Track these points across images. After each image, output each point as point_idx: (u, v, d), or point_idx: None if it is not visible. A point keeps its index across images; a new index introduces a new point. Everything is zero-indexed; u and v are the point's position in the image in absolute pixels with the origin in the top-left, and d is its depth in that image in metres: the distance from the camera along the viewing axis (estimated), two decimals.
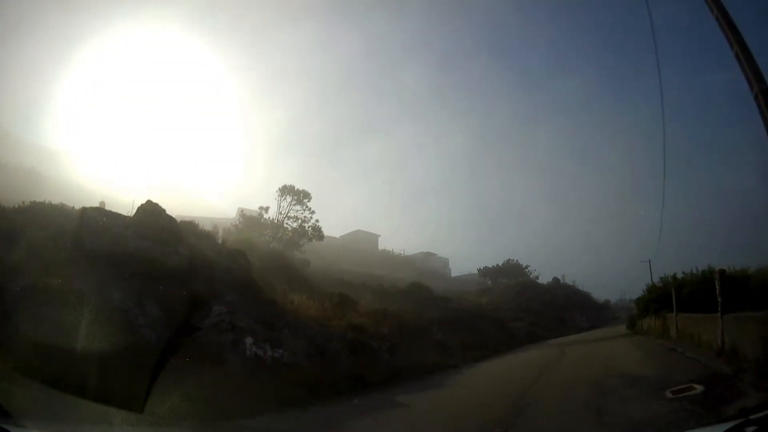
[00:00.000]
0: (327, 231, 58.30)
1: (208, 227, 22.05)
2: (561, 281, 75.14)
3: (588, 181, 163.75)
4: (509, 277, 70.25)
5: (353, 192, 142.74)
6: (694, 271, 20.94)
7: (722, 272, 15.02)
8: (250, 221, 30.87)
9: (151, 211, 15.17)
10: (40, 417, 6.22)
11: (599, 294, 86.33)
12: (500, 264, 73.45)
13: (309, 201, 32.18)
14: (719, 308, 13.58)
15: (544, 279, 73.25)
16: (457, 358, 24.67)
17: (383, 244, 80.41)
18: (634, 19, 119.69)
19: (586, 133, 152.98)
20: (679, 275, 21.94)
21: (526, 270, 73.79)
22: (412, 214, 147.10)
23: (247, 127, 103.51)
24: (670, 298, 21.25)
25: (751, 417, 2.98)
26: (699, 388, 8.86)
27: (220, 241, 21.69)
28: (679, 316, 19.59)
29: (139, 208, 15.29)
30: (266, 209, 31.33)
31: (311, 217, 32.09)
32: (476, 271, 75.40)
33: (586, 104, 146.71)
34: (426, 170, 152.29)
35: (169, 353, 10.27)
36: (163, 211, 15.50)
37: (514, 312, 51.58)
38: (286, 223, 31.61)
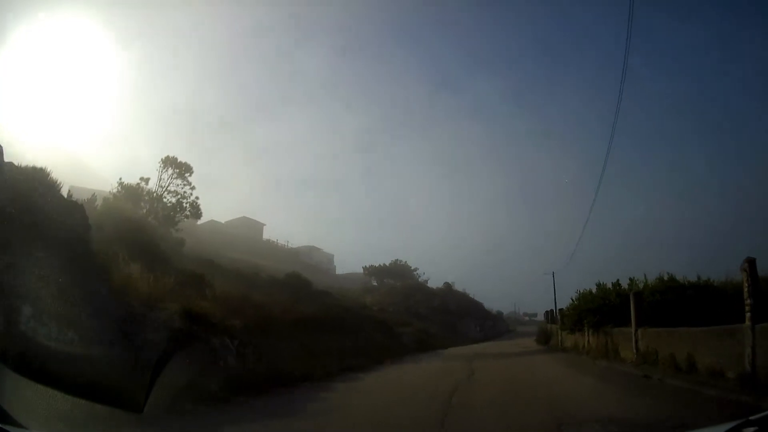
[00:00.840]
0: (213, 215, 57.52)
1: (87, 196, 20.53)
2: (453, 288, 71.53)
3: (487, 188, 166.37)
4: (396, 278, 67.03)
5: (242, 176, 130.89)
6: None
7: (752, 262, 10.04)
8: (129, 191, 28.84)
9: None
10: (39, 417, 6.34)
11: (490, 305, 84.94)
12: (387, 264, 70.12)
13: (190, 175, 30.82)
14: (748, 315, 9.39)
15: (434, 284, 70.48)
16: (333, 366, 18.00)
17: (269, 234, 76.38)
18: (556, 22, 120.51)
19: (490, 138, 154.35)
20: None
21: (415, 272, 71.62)
22: (299, 205, 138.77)
23: (137, 98, 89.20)
24: (620, 309, 16.32)
25: (751, 417, 2.90)
26: None
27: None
28: (645, 332, 14.19)
29: None
30: (146, 180, 29.61)
31: (191, 193, 30.68)
32: (362, 270, 71.70)
33: (496, 107, 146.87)
34: (317, 161, 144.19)
35: None
36: None
37: (402, 315, 46.83)
38: (165, 198, 30.33)
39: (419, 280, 69.82)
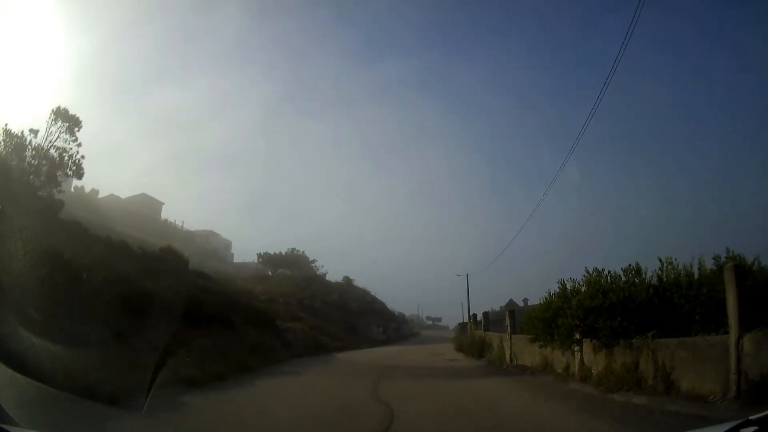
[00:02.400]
0: (113, 189, 58.74)
1: None
2: (353, 283, 63.68)
3: (395, 180, 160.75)
4: (292, 269, 60.79)
5: (143, 149, 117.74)
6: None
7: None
8: (13, 142, 26.09)
9: None
10: (39, 417, 6.19)
11: (393, 306, 78.03)
12: (283, 252, 64.44)
13: (79, 130, 28.16)
14: None
15: (333, 279, 64.54)
16: (165, 377, 10.24)
17: (168, 214, 72.36)
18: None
19: (400, 127, 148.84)
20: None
21: (313, 264, 66.16)
22: (200, 185, 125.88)
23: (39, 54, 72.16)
24: (651, 308, 9.22)
25: (751, 417, 2.82)
26: None
27: None
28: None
29: None
30: (35, 132, 26.86)
31: (77, 151, 27.88)
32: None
33: (409, 91, 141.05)
34: (220, 137, 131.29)
35: None
36: None
37: (293, 308, 37.98)
38: (52, 153, 27.69)
39: (317, 272, 63.21)
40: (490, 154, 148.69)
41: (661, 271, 11.09)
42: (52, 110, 28.29)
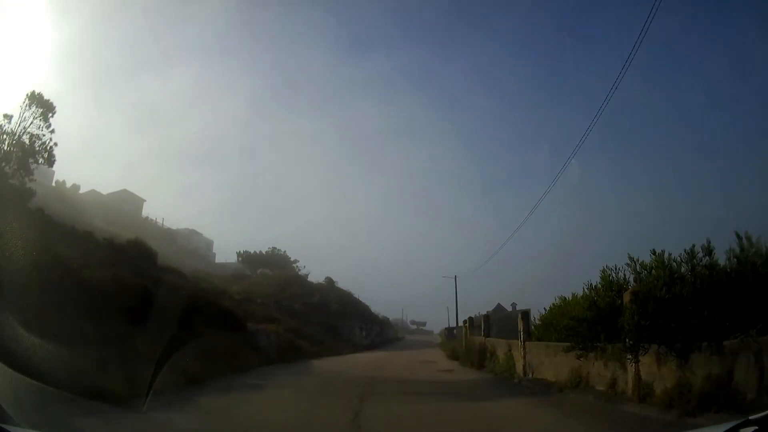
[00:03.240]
0: (94, 185, 57.62)
1: None
2: (336, 285, 60.28)
3: (381, 182, 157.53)
4: (273, 269, 56.95)
5: (125, 143, 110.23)
6: None
7: None
8: None
9: None
10: (39, 417, 6.09)
11: (377, 309, 74.27)
12: (264, 252, 61.90)
13: (53, 116, 26.64)
14: None
15: (315, 279, 60.29)
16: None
17: (150, 212, 70.02)
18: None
19: (386, 124, 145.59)
20: None
21: (295, 264, 62.75)
22: (182, 182, 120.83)
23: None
24: None
25: (751, 417, 2.81)
26: None
27: None
28: None
29: None
30: (9, 118, 25.80)
31: (50, 138, 26.32)
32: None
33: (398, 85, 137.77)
34: (203, 132, 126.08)
35: None
36: None
37: (270, 310, 34.28)
38: (24, 139, 26.49)
39: (299, 273, 59.66)
40: (478, 153, 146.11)
41: (741, 248, 8.05)
42: (27, 95, 27.77)
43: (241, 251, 62.23)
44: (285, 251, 63.25)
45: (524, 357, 14.44)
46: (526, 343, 14.75)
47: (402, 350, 41.14)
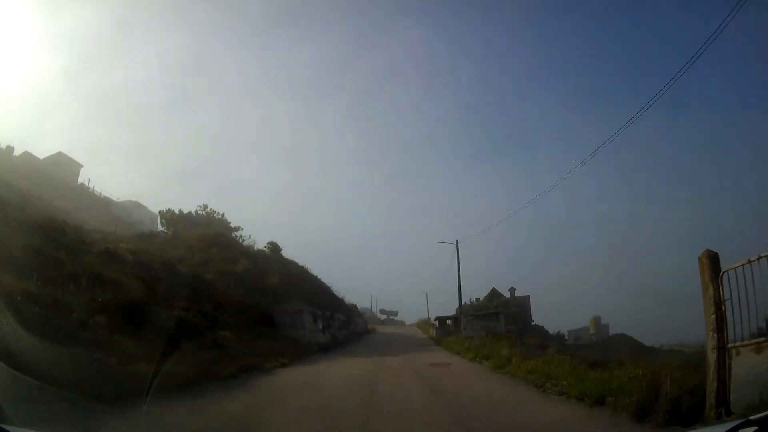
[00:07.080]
0: (31, 148, 56.93)
1: None
2: (282, 255, 43.67)
3: (347, 153, 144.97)
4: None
5: (62, 96, 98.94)
6: None
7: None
8: None
9: None
10: (40, 417, 6.26)
11: (341, 293, 58.73)
12: (194, 212, 49.07)
13: None
14: None
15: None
16: None
17: (88, 179, 64.32)
18: None
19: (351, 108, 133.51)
20: None
21: (236, 234, 45.91)
22: (127, 146, 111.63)
23: None
24: None
25: (751, 417, 2.85)
26: None
27: None
28: None
29: None
30: None
31: None
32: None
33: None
34: (148, 83, 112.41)
35: None
36: None
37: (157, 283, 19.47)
38: None
39: (229, 234, 43.52)
40: (459, 126, 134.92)
41: None
42: None
43: (164, 209, 48.96)
44: (224, 214, 49.35)
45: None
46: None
47: (388, 354, 25.32)
